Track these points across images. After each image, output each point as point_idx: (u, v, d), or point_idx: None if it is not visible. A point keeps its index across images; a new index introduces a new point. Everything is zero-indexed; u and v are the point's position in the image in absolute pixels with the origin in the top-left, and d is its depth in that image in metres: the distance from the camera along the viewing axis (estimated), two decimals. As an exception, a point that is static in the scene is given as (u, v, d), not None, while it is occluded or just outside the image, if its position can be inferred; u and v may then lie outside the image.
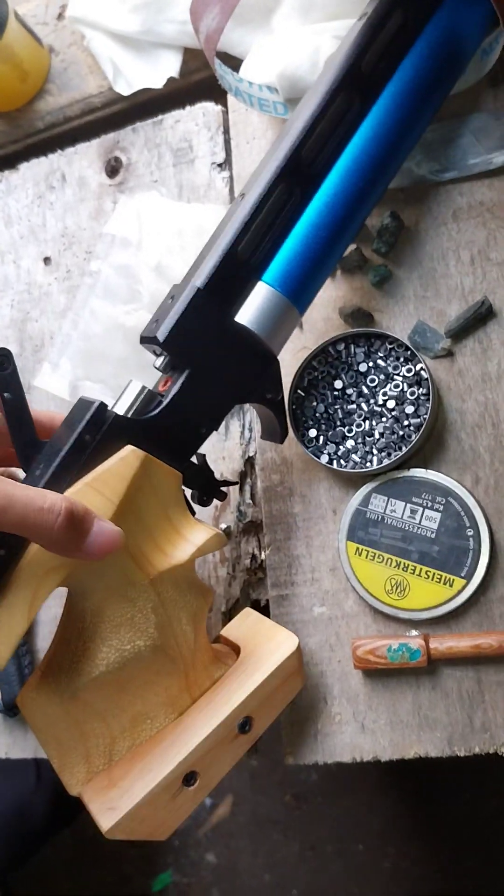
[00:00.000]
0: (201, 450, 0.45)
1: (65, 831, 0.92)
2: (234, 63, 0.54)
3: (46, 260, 0.62)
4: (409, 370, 0.49)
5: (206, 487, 0.45)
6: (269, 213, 0.42)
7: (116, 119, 0.63)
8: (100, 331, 0.57)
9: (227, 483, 0.46)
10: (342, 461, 0.49)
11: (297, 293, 0.43)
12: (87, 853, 1.37)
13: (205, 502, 0.45)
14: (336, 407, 0.50)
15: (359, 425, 0.49)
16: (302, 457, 0.52)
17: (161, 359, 0.42)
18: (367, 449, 0.49)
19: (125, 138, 0.61)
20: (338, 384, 0.50)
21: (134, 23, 0.61)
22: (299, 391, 0.51)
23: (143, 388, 0.42)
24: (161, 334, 0.41)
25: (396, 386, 0.49)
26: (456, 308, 0.50)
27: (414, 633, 0.47)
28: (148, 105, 0.63)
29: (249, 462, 0.54)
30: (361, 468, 0.48)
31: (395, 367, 0.49)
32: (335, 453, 0.49)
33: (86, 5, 0.63)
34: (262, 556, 0.52)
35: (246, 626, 0.49)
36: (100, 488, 0.39)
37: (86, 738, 0.43)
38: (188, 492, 0.45)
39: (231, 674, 0.45)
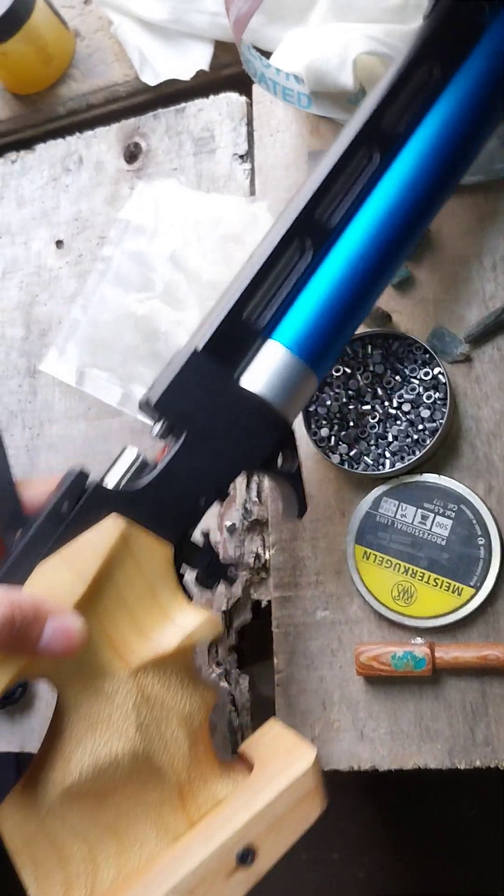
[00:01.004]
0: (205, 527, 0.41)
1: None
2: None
3: (59, 243, 0.61)
4: (426, 374, 0.48)
5: (211, 568, 0.40)
6: (280, 271, 0.40)
7: (140, 109, 0.62)
8: (109, 318, 0.56)
9: (236, 565, 0.42)
10: (354, 462, 0.48)
11: (317, 358, 0.40)
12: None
13: (208, 584, 0.40)
14: (350, 407, 0.49)
15: (373, 427, 0.48)
16: (312, 456, 0.51)
17: (158, 425, 0.39)
18: (380, 451, 0.48)
19: (146, 124, 0.61)
20: (353, 384, 0.49)
21: (163, 11, 0.60)
22: (313, 389, 0.50)
23: (138, 455, 0.39)
24: (154, 396, 0.38)
25: (413, 389, 0.48)
26: (476, 313, 0.49)
27: (419, 640, 0.46)
28: (173, 97, 0.62)
29: (257, 459, 0.53)
30: (374, 470, 0.48)
31: (413, 370, 0.48)
32: (347, 454, 0.49)
33: (113, -11, 0.63)
34: (267, 556, 0.51)
35: (267, 738, 0.41)
36: (72, 563, 0.36)
37: (65, 864, 0.37)
38: (191, 574, 0.41)
39: (237, 793, 0.38)
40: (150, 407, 0.39)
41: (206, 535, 0.41)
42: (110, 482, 0.38)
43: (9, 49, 0.62)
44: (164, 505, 0.38)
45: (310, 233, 0.40)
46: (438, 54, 0.41)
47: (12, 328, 0.60)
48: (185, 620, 0.38)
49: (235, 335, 0.39)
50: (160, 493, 0.38)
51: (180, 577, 0.39)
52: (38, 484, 0.39)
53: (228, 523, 0.52)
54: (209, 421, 0.38)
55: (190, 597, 0.39)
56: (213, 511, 0.53)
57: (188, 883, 0.34)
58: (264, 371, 0.39)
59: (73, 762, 0.36)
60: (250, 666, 0.53)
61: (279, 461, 0.41)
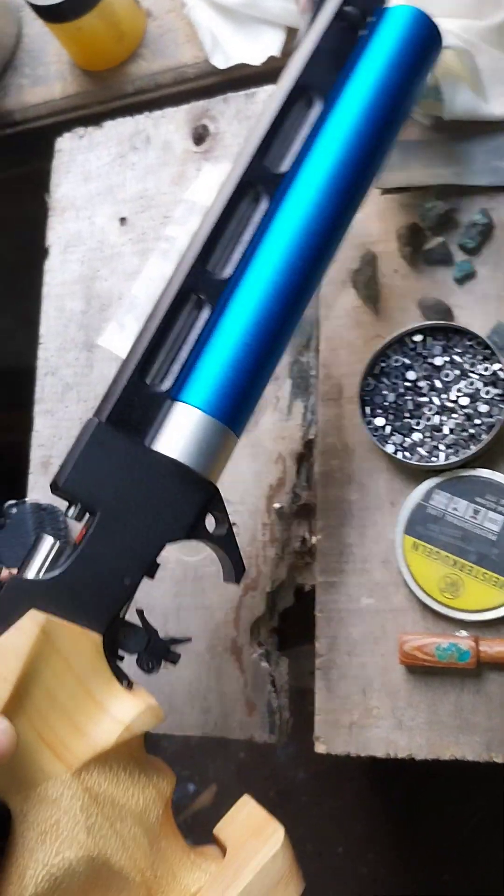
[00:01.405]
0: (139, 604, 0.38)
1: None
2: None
3: (122, 220, 0.61)
4: (485, 369, 0.48)
5: (151, 648, 0.38)
6: (178, 331, 0.38)
7: (207, 92, 0.63)
8: (169, 297, 0.56)
9: (178, 641, 0.39)
10: (408, 453, 0.49)
11: (231, 415, 0.38)
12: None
13: (147, 669, 0.38)
14: (407, 398, 0.49)
15: (428, 419, 0.49)
16: (365, 445, 0.51)
17: (72, 508, 0.37)
18: (435, 444, 0.48)
19: (215, 107, 0.61)
20: (411, 375, 0.50)
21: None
22: (370, 378, 0.50)
23: (54, 542, 0.37)
24: (61, 479, 0.36)
25: (471, 384, 0.48)
26: (539, 313, 0.49)
27: (463, 633, 0.46)
28: (242, 82, 0.62)
29: (308, 445, 0.53)
30: (427, 462, 0.48)
31: (472, 365, 0.49)
32: (401, 444, 0.49)
33: (189, -29, 0.63)
34: (313, 541, 0.52)
35: (238, 819, 0.39)
36: None
37: None
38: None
39: (210, 883, 0.36)
40: (58, 489, 0.37)
41: (140, 613, 0.39)
42: (30, 574, 0.36)
43: (83, 24, 0.62)
44: (85, 591, 0.36)
45: (202, 288, 0.38)
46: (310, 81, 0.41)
47: (72, 301, 0.61)
48: (121, 712, 0.36)
49: (141, 402, 0.37)
50: (79, 579, 0.36)
51: (120, 659, 0.38)
52: None
53: (277, 506, 0.53)
54: (123, 495, 0.36)
55: (129, 682, 0.37)
56: (262, 493, 0.53)
57: None
58: (177, 434, 0.37)
59: (27, 876, 0.34)
60: (290, 648, 0.53)
61: (210, 525, 0.39)
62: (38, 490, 0.58)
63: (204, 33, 0.63)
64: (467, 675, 0.46)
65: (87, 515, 0.37)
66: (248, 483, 0.54)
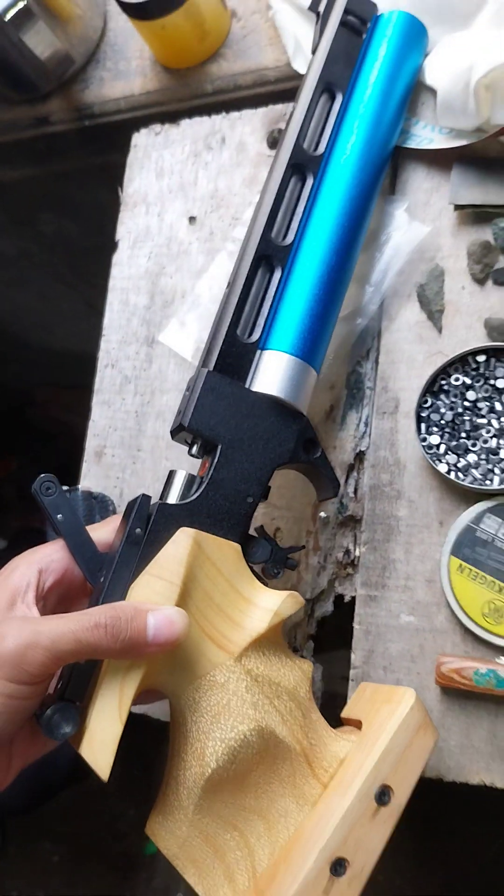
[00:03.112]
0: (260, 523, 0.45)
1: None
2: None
3: (191, 219, 0.62)
4: (548, 396, 0.47)
5: (273, 558, 0.44)
6: (256, 294, 0.46)
7: (286, 96, 0.63)
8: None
9: (294, 549, 0.44)
10: (461, 474, 0.48)
11: (311, 354, 0.46)
12: (86, 804, 1.40)
13: (273, 575, 0.44)
14: (464, 418, 0.49)
15: (485, 441, 0.48)
16: (418, 462, 0.51)
17: (195, 446, 0.44)
18: (490, 467, 0.48)
19: (292, 112, 0.61)
20: (470, 395, 0.49)
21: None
22: (428, 395, 0.50)
23: (187, 474, 0.43)
24: (185, 420, 0.43)
25: (533, 409, 0.48)
26: None
27: (503, 660, 0.46)
28: (320, 86, 0.62)
29: (359, 456, 0.53)
30: (480, 485, 0.47)
31: (535, 390, 0.48)
32: (455, 465, 0.48)
33: (277, -26, 0.63)
34: (357, 553, 0.52)
35: (364, 699, 0.45)
36: (160, 574, 0.39)
37: (222, 855, 0.40)
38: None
39: (356, 747, 0.41)
40: (184, 429, 0.43)
41: (261, 529, 0.45)
42: (172, 500, 0.43)
43: (167, 23, 0.63)
44: (219, 510, 0.42)
45: (272, 253, 0.46)
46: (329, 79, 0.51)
47: (137, 296, 0.62)
48: (268, 602, 0.41)
49: (237, 352, 0.44)
50: (213, 500, 0.42)
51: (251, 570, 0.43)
52: (100, 527, 0.43)
53: (322, 515, 0.53)
54: (236, 430, 0.43)
55: (265, 582, 0.42)
56: (308, 500, 0.54)
57: (339, 834, 0.38)
58: (271, 375, 0.44)
59: (207, 754, 0.39)
60: (324, 654, 0.53)
61: (304, 452, 0.45)
62: (91, 478, 0.60)
63: (287, 37, 0.63)
64: (502, 703, 0.46)
65: (207, 451, 0.44)
66: (295, 489, 0.54)
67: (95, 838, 1.39)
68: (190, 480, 0.43)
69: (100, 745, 0.37)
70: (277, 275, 0.47)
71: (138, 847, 1.36)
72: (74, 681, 0.38)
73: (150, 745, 0.65)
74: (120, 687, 0.38)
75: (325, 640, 0.55)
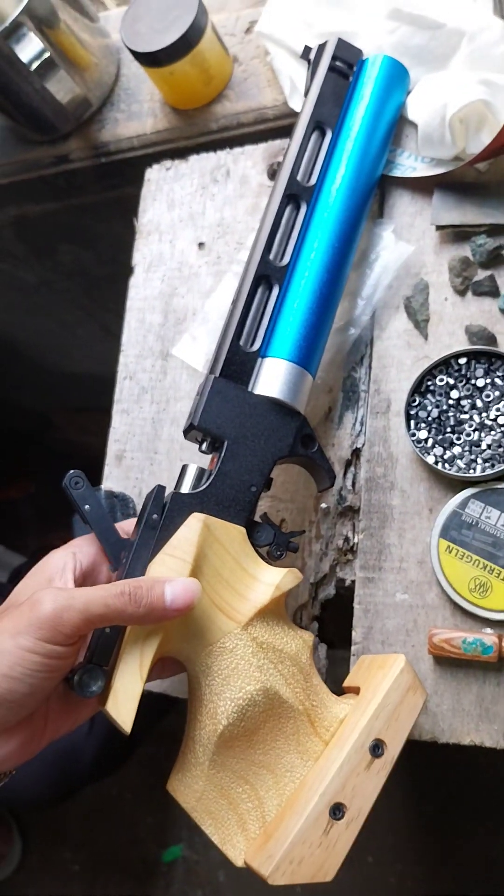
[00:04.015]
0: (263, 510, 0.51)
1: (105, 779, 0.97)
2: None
3: (200, 245, 0.68)
4: (523, 392, 0.53)
5: (276, 541, 0.49)
6: (256, 309, 0.52)
7: (285, 132, 0.69)
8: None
9: (295, 534, 0.50)
10: (447, 464, 0.54)
11: (307, 360, 0.52)
12: (104, 808, 1.43)
13: (277, 556, 0.49)
14: (449, 414, 0.54)
15: (468, 434, 0.53)
16: (408, 455, 0.56)
17: (204, 443, 0.49)
18: (473, 457, 0.53)
19: (290, 146, 0.67)
20: (454, 394, 0.54)
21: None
22: (416, 395, 0.55)
23: (198, 467, 0.49)
24: (195, 419, 0.49)
25: (509, 404, 0.53)
26: None
27: (489, 631, 0.51)
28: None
29: (356, 453, 0.59)
30: (465, 473, 0.53)
31: (511, 388, 0.53)
32: (442, 456, 0.54)
33: (273, 23, 0.70)
34: (355, 540, 0.57)
35: (362, 669, 0.50)
36: (174, 553, 0.45)
37: (235, 806, 0.45)
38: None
39: (354, 708, 0.46)
40: (195, 428, 0.49)
41: (265, 516, 0.51)
42: (185, 490, 0.48)
43: (176, 69, 0.70)
44: (226, 498, 0.48)
45: (270, 273, 0.52)
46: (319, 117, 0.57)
47: (152, 314, 0.68)
48: (270, 578, 0.47)
49: (240, 359, 0.50)
50: (221, 489, 0.48)
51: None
52: (124, 524, 0.50)
53: (323, 506, 0.58)
54: (241, 427, 0.49)
55: (268, 561, 0.48)
56: (310, 493, 0.59)
57: (337, 782, 0.43)
58: (271, 379, 0.50)
59: (219, 713, 0.44)
60: (329, 635, 0.58)
61: (302, 447, 0.50)
62: (112, 479, 0.65)
63: (284, 79, 0.70)
64: (489, 668, 0.50)
65: (215, 448, 0.49)
66: (298, 484, 0.59)
67: (114, 846, 1.42)
68: (200, 473, 0.49)
69: (123, 702, 0.42)
70: (276, 291, 0.53)
71: (156, 854, 1.39)
72: (100, 648, 0.43)
73: (165, 755, 0.69)
74: (140, 652, 0.43)
75: (330, 623, 0.59)
